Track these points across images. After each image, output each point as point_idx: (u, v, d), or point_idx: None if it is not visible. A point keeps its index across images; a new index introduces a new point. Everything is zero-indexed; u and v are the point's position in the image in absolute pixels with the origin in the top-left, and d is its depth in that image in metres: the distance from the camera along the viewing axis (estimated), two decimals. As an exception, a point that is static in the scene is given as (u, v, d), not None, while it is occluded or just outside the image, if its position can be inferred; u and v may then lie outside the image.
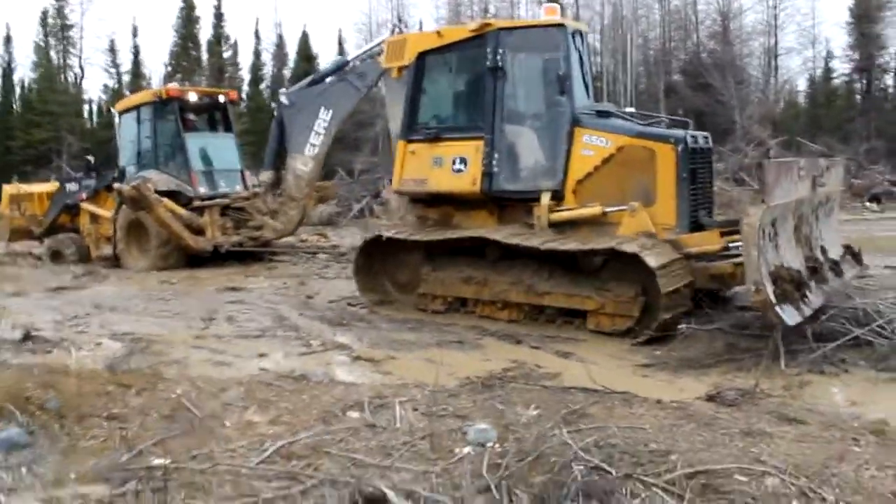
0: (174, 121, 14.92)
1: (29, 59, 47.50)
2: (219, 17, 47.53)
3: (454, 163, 9.06)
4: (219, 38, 47.52)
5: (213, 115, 16.05)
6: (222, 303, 10.29)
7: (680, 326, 6.98)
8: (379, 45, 11.07)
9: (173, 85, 16.64)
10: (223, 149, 15.70)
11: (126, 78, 48.21)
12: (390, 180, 10.62)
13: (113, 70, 48.19)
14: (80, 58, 47.65)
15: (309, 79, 13.08)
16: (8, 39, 47.68)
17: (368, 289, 9.85)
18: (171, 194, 14.14)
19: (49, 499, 3.80)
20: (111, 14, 77.30)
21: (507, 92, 8.95)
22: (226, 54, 48.19)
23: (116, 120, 15.93)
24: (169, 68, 46.34)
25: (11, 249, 18.41)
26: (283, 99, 12.52)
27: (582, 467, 3.83)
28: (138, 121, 15.27)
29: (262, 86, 48.40)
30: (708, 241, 7.90)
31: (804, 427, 4.59)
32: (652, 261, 7.31)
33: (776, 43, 42.50)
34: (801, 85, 47.11)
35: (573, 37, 8.85)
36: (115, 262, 15.05)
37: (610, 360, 6.87)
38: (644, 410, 4.86)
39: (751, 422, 4.61)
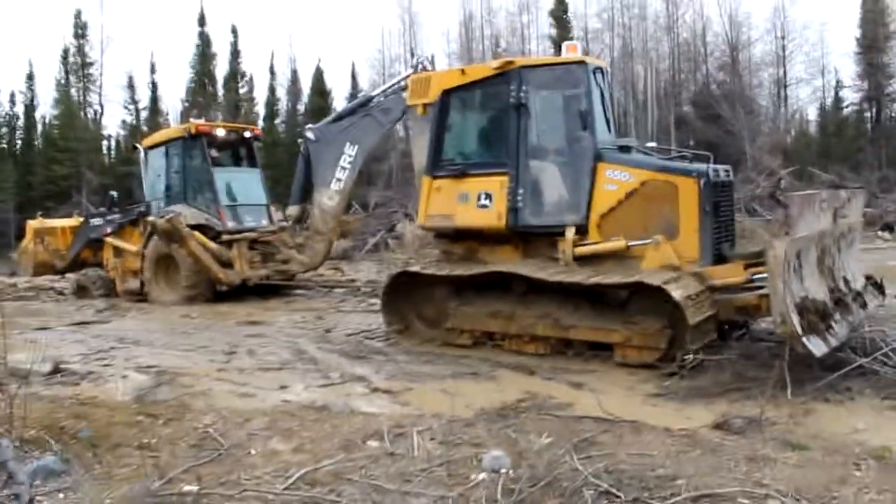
0: (202, 156, 15.23)
1: (50, 96, 48.42)
2: (235, 53, 48.29)
3: (479, 198, 9.17)
4: (235, 74, 48.21)
5: (238, 151, 16.39)
6: (243, 336, 10.53)
7: (687, 357, 7.12)
8: (402, 80, 11.30)
9: (201, 121, 16.97)
10: (249, 183, 16.04)
11: (144, 114, 48.99)
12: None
13: (131, 106, 48.96)
14: (99, 95, 48.48)
15: (334, 114, 13.35)
16: (30, 77, 48.70)
17: (395, 323, 9.94)
18: (201, 228, 14.44)
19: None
20: (130, 51, 78.41)
21: (531, 128, 9.07)
22: (241, 90, 48.86)
23: (142, 156, 16.22)
24: (186, 104, 47.04)
25: (34, 284, 18.78)
26: (310, 134, 12.63)
27: (592, 492, 4.04)
28: (166, 156, 15.58)
29: (277, 121, 49.02)
30: (732, 274, 8.01)
31: (807, 453, 4.75)
32: (677, 293, 7.41)
33: (785, 73, 42.76)
34: (812, 114, 47.32)
35: (594, 73, 9.02)
36: (141, 295, 15.28)
37: (621, 390, 7.03)
38: (652, 438, 5.04)
39: (755, 448, 4.79)
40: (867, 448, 4.92)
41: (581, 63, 8.98)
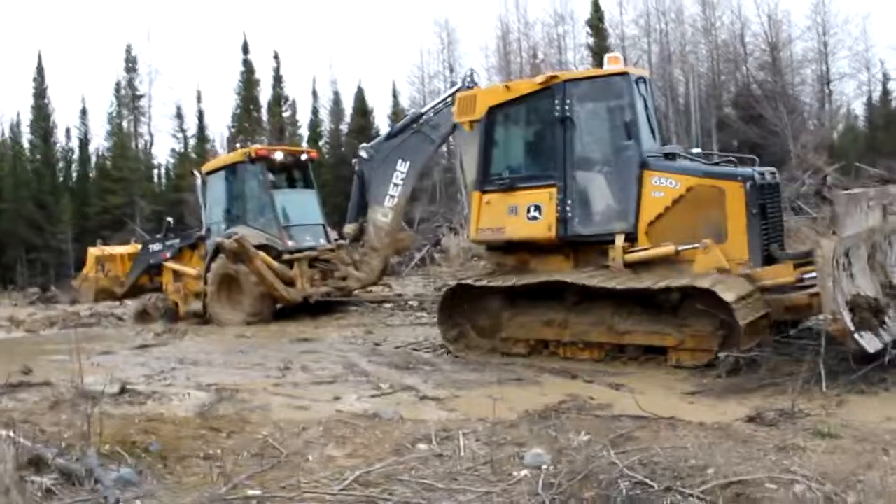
0: (262, 179, 15.67)
1: (103, 129, 49.79)
2: (278, 79, 49.11)
3: (529, 210, 9.38)
4: (278, 99, 49.01)
5: (293, 173, 16.77)
6: (296, 353, 10.90)
7: (720, 355, 7.28)
8: (450, 96, 11.52)
9: (260, 145, 17.47)
10: (307, 204, 16.45)
11: (192, 141, 50.19)
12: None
13: (180, 135, 50.16)
14: (149, 125, 49.78)
15: (386, 133, 13.69)
16: (83, 112, 50.24)
17: (451, 334, 10.11)
18: (263, 248, 14.83)
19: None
20: (177, 82, 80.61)
21: (577, 140, 9.28)
22: (285, 114, 49.71)
23: (199, 181, 16.71)
24: (232, 130, 48.07)
25: (95, 310, 19.44)
26: (363, 153, 12.90)
27: (627, 483, 4.29)
28: (227, 180, 16.03)
29: (321, 142, 49.77)
30: (782, 274, 8.16)
31: (837, 441, 4.94)
32: (728, 295, 7.57)
33: (828, 69, 42.10)
34: (859, 109, 46.49)
35: (637, 83, 9.22)
36: (204, 317, 15.64)
37: (659, 389, 7.25)
38: (687, 432, 5.27)
39: (786, 438, 4.99)
40: (898, 435, 5.08)
41: (624, 74, 9.20)
